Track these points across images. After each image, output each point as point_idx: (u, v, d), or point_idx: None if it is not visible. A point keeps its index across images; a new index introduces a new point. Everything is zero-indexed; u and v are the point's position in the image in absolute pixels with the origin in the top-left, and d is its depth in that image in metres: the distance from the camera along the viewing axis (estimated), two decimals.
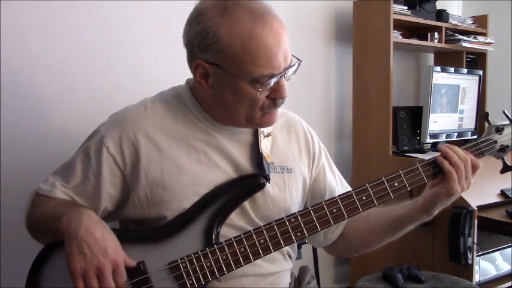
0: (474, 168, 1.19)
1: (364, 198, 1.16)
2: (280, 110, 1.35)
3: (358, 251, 1.44)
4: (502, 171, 1.28)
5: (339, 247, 1.38)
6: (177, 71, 1.36)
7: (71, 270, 1.00)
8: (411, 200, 1.25)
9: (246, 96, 1.10)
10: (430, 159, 1.21)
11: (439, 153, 1.20)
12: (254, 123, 1.17)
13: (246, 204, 1.20)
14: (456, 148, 1.20)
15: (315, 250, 2.28)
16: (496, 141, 1.26)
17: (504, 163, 1.28)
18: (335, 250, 1.41)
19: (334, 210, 1.15)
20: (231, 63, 1.08)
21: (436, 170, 1.20)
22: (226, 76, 1.09)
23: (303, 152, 1.33)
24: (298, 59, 1.15)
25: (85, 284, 1.00)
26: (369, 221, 1.31)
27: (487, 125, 1.30)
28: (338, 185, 1.37)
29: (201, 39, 1.09)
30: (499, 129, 1.26)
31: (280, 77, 1.11)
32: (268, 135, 1.26)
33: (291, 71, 1.13)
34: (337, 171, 1.41)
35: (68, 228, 1.03)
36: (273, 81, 1.09)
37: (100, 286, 1.01)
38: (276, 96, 1.13)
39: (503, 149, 1.26)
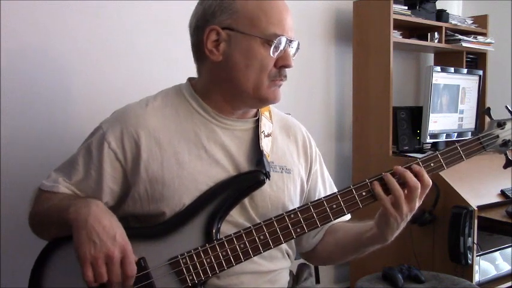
0: (423, 188, 1.13)
1: (364, 194, 1.15)
2: (281, 114, 1.37)
3: (324, 262, 1.51)
4: (505, 166, 1.27)
5: (315, 254, 1.39)
6: (179, 71, 1.36)
7: (81, 257, 1.01)
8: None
9: (257, 56, 1.14)
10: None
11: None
12: (261, 95, 1.18)
13: (246, 201, 1.20)
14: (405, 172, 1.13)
15: None
16: (497, 136, 1.25)
17: (507, 158, 1.28)
18: (312, 257, 1.42)
19: (334, 206, 1.15)
20: (246, 23, 1.14)
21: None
22: (239, 38, 1.15)
23: (301, 155, 1.34)
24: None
25: (94, 271, 1.00)
26: (337, 233, 1.33)
27: (488, 120, 1.29)
28: (327, 193, 1.38)
29: (217, 4, 1.16)
30: (501, 124, 1.26)
31: (288, 42, 1.17)
32: (269, 135, 1.27)
33: (295, 44, 1.20)
34: (328, 179, 1.42)
35: (77, 217, 1.03)
36: (283, 42, 1.15)
37: (109, 274, 1.01)
38: (283, 64, 1.17)
39: (506, 143, 1.25)
